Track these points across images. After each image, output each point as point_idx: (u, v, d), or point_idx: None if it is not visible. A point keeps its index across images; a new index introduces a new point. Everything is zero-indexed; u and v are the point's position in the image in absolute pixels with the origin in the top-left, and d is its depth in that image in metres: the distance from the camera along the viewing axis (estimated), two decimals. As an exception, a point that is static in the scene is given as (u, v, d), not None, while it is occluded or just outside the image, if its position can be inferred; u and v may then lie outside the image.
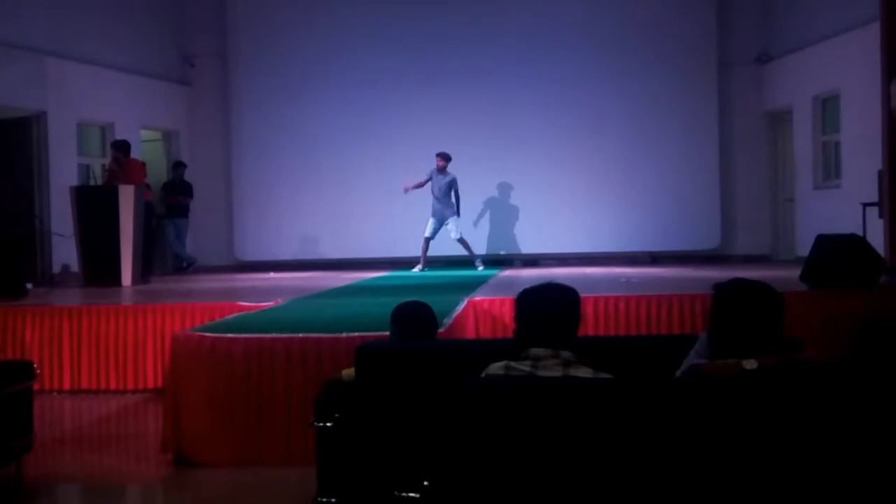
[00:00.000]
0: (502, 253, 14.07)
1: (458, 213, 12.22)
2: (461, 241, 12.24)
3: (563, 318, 3.11)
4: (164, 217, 13.84)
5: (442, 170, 12.07)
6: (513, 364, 3.04)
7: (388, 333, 4.43)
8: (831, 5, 12.35)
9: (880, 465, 2.57)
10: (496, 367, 3.07)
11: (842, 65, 12.06)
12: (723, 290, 2.97)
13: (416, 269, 12.11)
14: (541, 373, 3.00)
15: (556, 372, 3.00)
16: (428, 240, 12.05)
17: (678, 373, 2.97)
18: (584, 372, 3.01)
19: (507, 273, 11.84)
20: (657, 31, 14.14)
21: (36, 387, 5.43)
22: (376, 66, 14.41)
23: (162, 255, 13.97)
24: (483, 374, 3.07)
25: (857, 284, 7.90)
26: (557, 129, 14.18)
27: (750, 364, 2.68)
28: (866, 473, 2.58)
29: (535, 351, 3.04)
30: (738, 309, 2.90)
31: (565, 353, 3.03)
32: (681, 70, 14.16)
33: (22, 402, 5.17)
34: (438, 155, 12.21)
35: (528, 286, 3.22)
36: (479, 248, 13.47)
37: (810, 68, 12.94)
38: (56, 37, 11.99)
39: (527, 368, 3.01)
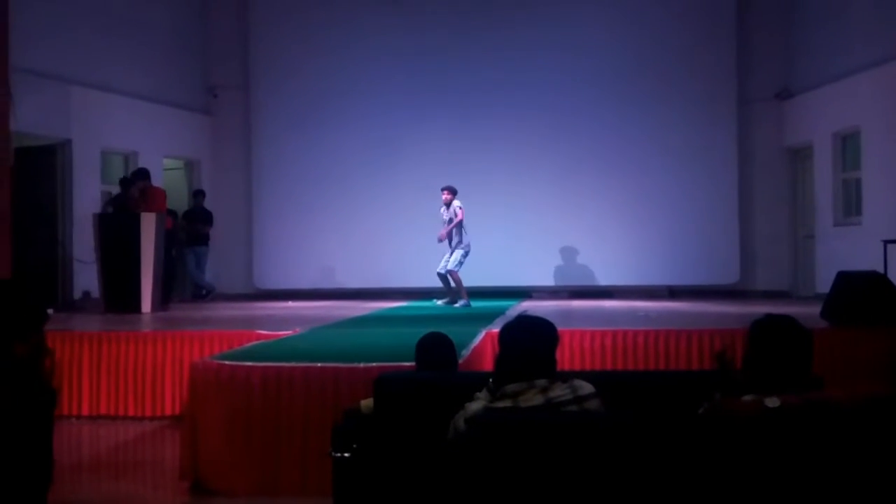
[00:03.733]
0: (520, 285, 14.04)
1: (460, 243, 11.59)
2: (447, 273, 11.62)
3: (538, 352, 3.13)
4: (185, 245, 13.91)
5: (448, 203, 11.76)
6: (492, 406, 3.05)
7: (406, 364, 4.45)
8: (852, 42, 12.36)
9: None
10: (474, 410, 3.07)
11: (862, 102, 12.05)
12: (761, 325, 2.97)
13: (440, 302, 11.96)
14: (522, 406, 3.02)
15: (538, 401, 3.01)
16: (439, 275, 11.83)
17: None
18: (560, 390, 3.04)
19: (525, 304, 11.82)
20: (678, 67, 14.19)
21: (56, 411, 5.45)
22: (395, 98, 14.52)
23: (181, 283, 14.04)
24: (462, 418, 3.07)
25: (878, 322, 7.85)
26: (576, 162, 14.22)
27: (772, 402, 2.67)
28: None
29: (511, 387, 3.06)
30: (776, 344, 2.90)
31: (540, 382, 3.05)
32: (701, 106, 14.19)
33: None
34: (444, 189, 11.78)
35: (506, 322, 3.26)
36: (498, 279, 13.45)
37: (831, 105, 12.93)
38: (81, 66, 12.14)
39: (508, 405, 3.03)
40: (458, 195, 11.80)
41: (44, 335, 4.07)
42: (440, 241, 11.77)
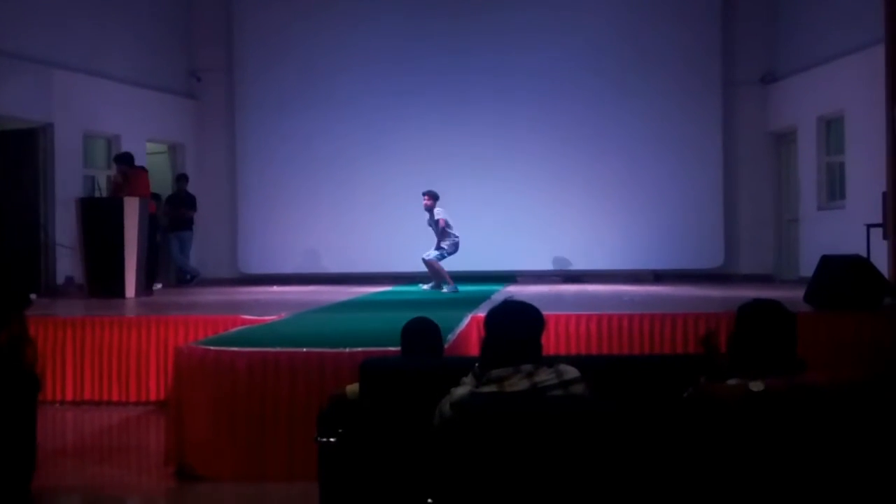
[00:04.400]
0: (505, 269, 14.05)
1: (442, 250, 11.55)
2: (427, 262, 11.60)
3: (523, 337, 3.14)
4: (168, 230, 13.85)
5: (428, 209, 11.65)
6: (477, 391, 3.06)
7: (391, 349, 4.45)
8: (836, 26, 12.38)
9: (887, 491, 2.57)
10: (459, 395, 3.07)
11: (846, 86, 12.08)
12: (748, 310, 2.99)
13: (425, 287, 11.95)
14: (508, 391, 3.02)
15: (524, 385, 3.02)
16: (423, 261, 11.79)
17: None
18: (546, 374, 3.05)
19: (511, 289, 11.83)
20: (662, 51, 14.19)
21: (39, 398, 5.43)
22: (382, 80, 14.46)
23: (166, 268, 13.98)
24: (448, 402, 3.08)
25: (861, 306, 7.90)
26: (562, 146, 14.21)
27: (757, 386, 2.68)
28: (871, 499, 2.57)
29: (496, 372, 3.07)
30: (762, 328, 2.92)
31: (526, 367, 3.06)
32: (685, 89, 14.20)
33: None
34: (424, 194, 11.69)
35: (492, 307, 3.26)
36: (483, 263, 13.44)
37: (815, 89, 12.96)
38: (63, 49, 12.04)
39: (493, 390, 3.04)
40: (442, 184, 11.73)
41: (26, 323, 4.02)
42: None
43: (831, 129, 12.98)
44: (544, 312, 3.30)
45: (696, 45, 14.25)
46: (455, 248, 11.66)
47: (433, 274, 11.77)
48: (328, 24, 14.54)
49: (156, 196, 12.73)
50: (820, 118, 12.98)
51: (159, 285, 12.46)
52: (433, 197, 11.71)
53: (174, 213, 13.89)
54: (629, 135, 14.22)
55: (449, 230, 11.62)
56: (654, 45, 14.19)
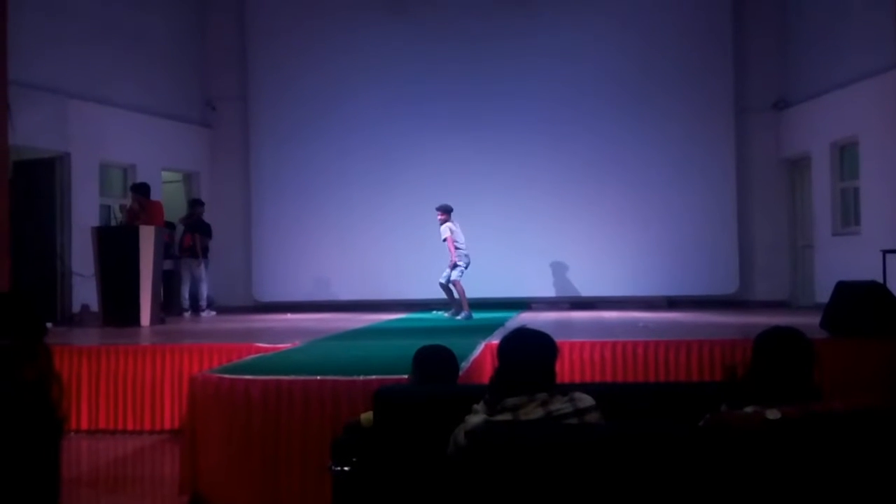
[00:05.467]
0: (519, 296, 14.04)
1: (458, 267, 11.51)
2: (451, 283, 11.54)
3: (537, 365, 3.13)
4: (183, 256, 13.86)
5: (441, 223, 11.64)
6: (492, 419, 3.05)
7: (406, 377, 4.43)
8: (849, 52, 12.39)
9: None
10: (474, 423, 3.06)
11: (860, 111, 12.07)
12: (767, 337, 2.98)
13: (447, 314, 11.91)
14: (523, 420, 3.01)
15: (538, 414, 3.01)
16: (441, 285, 11.75)
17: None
18: (560, 402, 3.04)
19: (525, 316, 11.81)
20: (675, 77, 14.23)
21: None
22: (394, 109, 14.55)
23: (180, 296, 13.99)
24: (463, 431, 3.07)
25: (878, 332, 7.85)
26: (575, 173, 14.23)
27: (773, 414, 2.67)
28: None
29: (511, 401, 3.05)
30: (781, 356, 2.91)
31: (540, 395, 3.05)
32: (699, 116, 14.22)
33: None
34: (437, 210, 11.69)
35: (505, 335, 3.25)
36: (497, 290, 13.42)
37: (828, 115, 12.95)
38: (79, 79, 12.17)
39: (508, 419, 3.02)
40: (455, 210, 11.69)
41: (52, 356, 3.90)
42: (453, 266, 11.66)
43: (845, 155, 12.96)
44: (558, 340, 3.29)
45: (709, 72, 14.28)
46: (468, 261, 11.60)
47: (451, 298, 11.68)
48: (342, 52, 14.64)
49: (169, 224, 12.79)
50: (833, 144, 12.96)
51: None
52: (445, 211, 11.67)
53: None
54: (642, 161, 14.23)
55: (459, 247, 11.57)
56: (667, 71, 14.23)
